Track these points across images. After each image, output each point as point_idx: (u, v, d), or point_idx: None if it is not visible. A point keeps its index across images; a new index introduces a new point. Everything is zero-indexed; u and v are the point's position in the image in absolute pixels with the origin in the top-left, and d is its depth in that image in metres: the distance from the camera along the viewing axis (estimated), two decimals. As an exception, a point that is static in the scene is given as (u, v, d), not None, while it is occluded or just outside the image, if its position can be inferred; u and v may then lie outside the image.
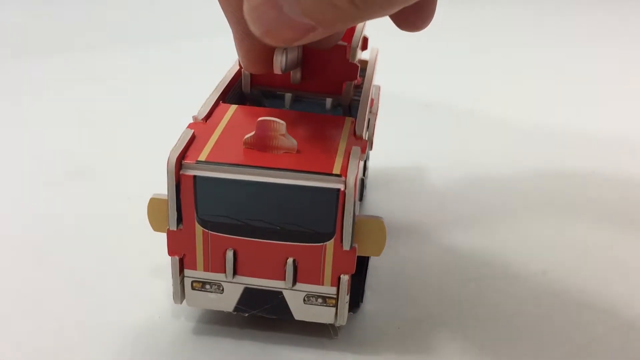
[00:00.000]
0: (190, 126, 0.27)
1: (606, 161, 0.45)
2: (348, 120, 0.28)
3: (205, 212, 0.26)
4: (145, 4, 0.77)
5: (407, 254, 0.35)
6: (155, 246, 0.30)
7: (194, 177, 0.25)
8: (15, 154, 0.44)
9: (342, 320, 0.27)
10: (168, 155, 0.25)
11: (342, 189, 0.24)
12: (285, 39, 0.22)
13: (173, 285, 0.27)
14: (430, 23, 0.28)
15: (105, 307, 0.30)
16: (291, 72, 0.30)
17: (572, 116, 0.53)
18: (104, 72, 0.58)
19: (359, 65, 0.30)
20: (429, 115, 0.52)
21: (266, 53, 0.26)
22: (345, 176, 0.25)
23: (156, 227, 0.27)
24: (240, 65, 0.32)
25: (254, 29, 0.23)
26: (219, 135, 0.27)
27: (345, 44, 0.29)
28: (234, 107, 0.29)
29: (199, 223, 0.26)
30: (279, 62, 0.26)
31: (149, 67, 0.60)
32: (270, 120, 0.25)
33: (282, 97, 0.32)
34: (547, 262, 0.35)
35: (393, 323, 0.30)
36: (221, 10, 0.26)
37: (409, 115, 0.51)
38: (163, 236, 0.27)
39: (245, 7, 0.22)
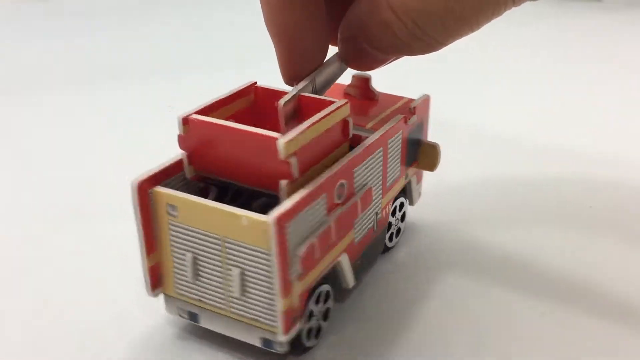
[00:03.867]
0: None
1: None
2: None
3: None
4: (134, 39, 0.77)
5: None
6: None
7: None
8: (8, 195, 0.43)
9: None
10: None
11: None
12: (368, 67, 0.30)
13: None
14: None
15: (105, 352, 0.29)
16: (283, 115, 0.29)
17: (578, 133, 0.51)
18: (97, 110, 0.57)
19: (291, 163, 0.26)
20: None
21: (299, 70, 0.30)
22: None
23: None
24: None
25: (351, 66, 0.30)
26: None
27: (277, 135, 0.26)
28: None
29: None
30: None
31: (142, 104, 0.59)
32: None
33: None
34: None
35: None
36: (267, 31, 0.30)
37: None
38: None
39: (341, 54, 0.30)
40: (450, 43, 0.27)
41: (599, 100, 0.59)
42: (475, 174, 0.45)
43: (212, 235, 0.26)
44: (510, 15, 0.29)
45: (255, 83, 0.31)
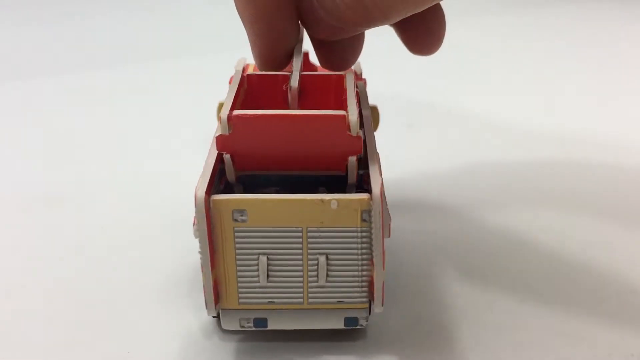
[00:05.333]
0: None
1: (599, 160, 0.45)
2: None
3: None
4: (115, 24, 0.75)
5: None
6: (128, 275, 0.30)
7: None
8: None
9: None
10: None
11: None
12: (324, 33, 0.27)
13: None
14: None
15: (75, 344, 0.28)
16: (289, 97, 0.29)
17: (563, 117, 0.53)
18: (78, 95, 0.55)
19: (361, 136, 0.26)
20: (411, 132, 0.52)
21: (276, 54, 0.28)
22: None
23: None
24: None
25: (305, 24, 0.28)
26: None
27: (343, 112, 0.26)
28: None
29: None
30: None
31: (121, 90, 0.57)
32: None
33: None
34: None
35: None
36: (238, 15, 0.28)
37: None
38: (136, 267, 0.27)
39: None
40: (394, 18, 0.25)
41: (588, 86, 0.60)
42: (464, 159, 0.45)
43: (291, 229, 0.25)
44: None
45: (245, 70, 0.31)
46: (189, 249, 0.34)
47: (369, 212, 0.25)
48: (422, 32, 0.30)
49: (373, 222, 0.25)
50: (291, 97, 0.28)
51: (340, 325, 0.27)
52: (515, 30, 0.77)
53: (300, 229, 0.25)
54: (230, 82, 0.35)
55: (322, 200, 0.25)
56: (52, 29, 0.73)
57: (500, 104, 0.55)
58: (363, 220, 0.25)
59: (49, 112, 0.52)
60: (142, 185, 0.41)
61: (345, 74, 0.30)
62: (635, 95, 0.58)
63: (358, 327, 0.27)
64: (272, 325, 0.27)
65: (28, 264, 0.34)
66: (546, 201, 0.40)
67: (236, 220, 0.25)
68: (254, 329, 0.27)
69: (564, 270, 0.34)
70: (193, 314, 0.30)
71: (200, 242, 0.25)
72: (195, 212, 0.24)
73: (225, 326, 0.27)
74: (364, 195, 0.25)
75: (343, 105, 0.28)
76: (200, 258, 0.25)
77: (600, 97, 0.58)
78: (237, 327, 0.27)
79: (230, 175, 0.26)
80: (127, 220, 0.37)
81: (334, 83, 0.30)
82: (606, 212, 0.39)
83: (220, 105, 0.36)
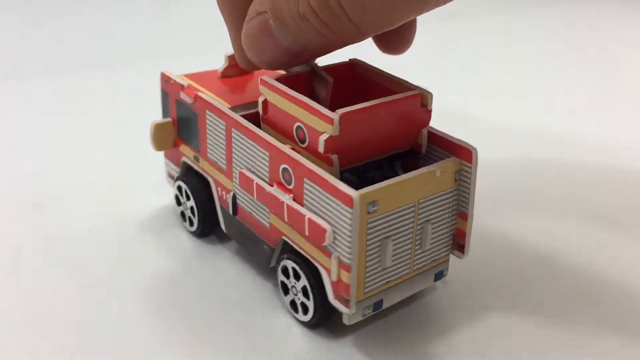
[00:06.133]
0: None
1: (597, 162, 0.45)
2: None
3: None
4: (105, 28, 0.75)
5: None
6: (111, 278, 0.31)
7: None
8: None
9: None
10: None
11: None
12: (276, 63, 0.27)
13: None
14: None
15: (71, 345, 0.28)
16: (318, 91, 0.30)
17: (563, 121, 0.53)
18: (63, 99, 0.55)
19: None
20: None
21: None
22: None
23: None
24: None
25: (250, 55, 0.27)
26: None
27: (418, 91, 0.28)
28: None
29: None
30: None
31: (119, 90, 0.57)
32: None
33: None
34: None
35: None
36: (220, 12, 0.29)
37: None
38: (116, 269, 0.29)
39: (243, 37, 0.26)
40: (370, 32, 0.24)
41: (588, 86, 0.60)
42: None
43: (408, 206, 0.27)
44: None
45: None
46: (184, 247, 0.35)
47: (459, 172, 0.28)
48: (391, 35, 0.31)
49: (471, 177, 0.27)
50: (327, 90, 0.29)
51: (431, 282, 0.29)
52: (515, 30, 0.77)
53: (413, 203, 0.27)
54: (190, 93, 0.33)
55: (430, 172, 0.27)
56: (52, 29, 0.73)
57: (500, 105, 0.55)
58: (455, 180, 0.28)
59: (47, 112, 0.52)
60: (140, 185, 0.41)
61: (355, 63, 0.31)
62: (634, 96, 0.58)
63: (443, 277, 0.30)
64: (386, 304, 0.28)
65: (26, 265, 0.34)
66: (544, 202, 0.40)
67: (369, 212, 0.25)
68: (372, 313, 0.28)
69: (560, 272, 0.34)
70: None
71: (351, 242, 0.25)
72: (351, 214, 0.24)
73: (349, 322, 0.27)
74: (454, 159, 0.28)
75: (370, 90, 0.30)
76: (349, 258, 0.25)
77: (599, 98, 0.58)
78: (359, 319, 0.27)
79: (337, 174, 0.27)
80: (123, 221, 0.37)
81: (343, 72, 0.31)
82: (604, 213, 0.39)
83: (158, 126, 0.35)
